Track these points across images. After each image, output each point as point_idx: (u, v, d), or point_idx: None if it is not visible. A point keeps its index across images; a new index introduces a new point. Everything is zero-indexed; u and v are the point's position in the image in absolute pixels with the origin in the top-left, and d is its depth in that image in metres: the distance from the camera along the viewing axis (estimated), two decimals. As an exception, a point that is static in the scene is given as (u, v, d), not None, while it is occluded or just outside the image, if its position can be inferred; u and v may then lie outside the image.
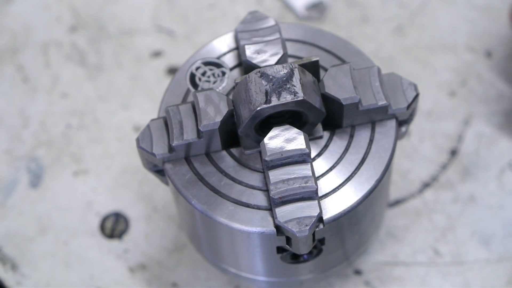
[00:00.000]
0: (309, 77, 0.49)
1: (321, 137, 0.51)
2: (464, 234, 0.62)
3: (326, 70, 0.52)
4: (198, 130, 0.49)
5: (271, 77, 0.48)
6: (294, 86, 0.47)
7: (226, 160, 0.51)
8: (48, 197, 0.65)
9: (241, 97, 0.48)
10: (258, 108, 0.47)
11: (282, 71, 0.48)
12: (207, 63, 0.53)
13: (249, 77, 0.48)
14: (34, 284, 0.62)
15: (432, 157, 0.65)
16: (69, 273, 0.62)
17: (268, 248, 0.51)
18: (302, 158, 0.48)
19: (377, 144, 0.50)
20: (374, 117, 0.51)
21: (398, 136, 0.52)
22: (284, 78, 0.48)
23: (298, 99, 0.47)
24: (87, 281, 0.62)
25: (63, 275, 0.62)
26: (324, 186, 0.49)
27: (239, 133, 0.49)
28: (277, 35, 0.52)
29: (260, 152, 0.50)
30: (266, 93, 0.47)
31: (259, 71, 0.48)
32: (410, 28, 0.70)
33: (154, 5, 0.72)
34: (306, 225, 0.47)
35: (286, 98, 0.47)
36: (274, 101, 0.47)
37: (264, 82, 0.47)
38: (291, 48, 0.53)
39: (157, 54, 0.70)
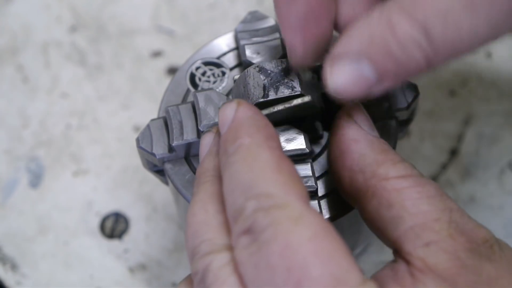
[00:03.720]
0: (307, 72, 0.49)
1: (321, 137, 0.51)
2: (464, 234, 0.62)
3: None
4: (198, 130, 0.49)
5: (269, 71, 0.48)
6: (292, 80, 0.48)
7: (226, 160, 0.51)
8: (48, 197, 0.65)
9: (239, 92, 0.48)
10: (256, 102, 0.47)
11: (280, 66, 0.48)
12: (207, 63, 0.53)
13: (247, 71, 0.48)
14: (34, 284, 0.62)
15: (432, 157, 0.65)
16: (69, 273, 0.62)
17: (268, 248, 0.51)
18: (302, 158, 0.48)
19: (377, 144, 0.50)
20: (374, 117, 0.50)
21: (398, 136, 0.52)
22: (282, 73, 0.48)
23: (296, 93, 0.47)
24: (87, 281, 0.62)
25: (63, 275, 0.62)
26: (324, 186, 0.49)
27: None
28: (277, 35, 0.52)
29: (260, 152, 0.50)
30: (264, 87, 0.47)
31: (257, 66, 0.48)
32: (410, 28, 0.70)
33: (154, 5, 0.72)
34: (306, 225, 0.47)
35: (284, 92, 0.47)
36: (272, 95, 0.47)
37: (262, 77, 0.48)
38: (291, 48, 0.53)
39: (157, 54, 0.70)
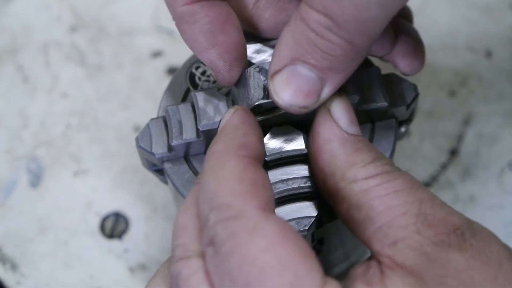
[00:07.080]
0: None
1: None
2: (464, 234, 0.62)
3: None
4: (197, 130, 0.49)
5: None
6: None
7: (226, 160, 0.51)
8: (48, 197, 0.65)
9: (239, 93, 0.48)
10: (256, 103, 0.47)
11: None
12: (206, 63, 0.53)
13: (247, 72, 0.48)
14: (34, 284, 0.62)
15: (432, 157, 0.64)
16: (69, 273, 0.62)
17: (268, 248, 0.51)
18: (302, 158, 0.48)
19: (377, 144, 0.50)
20: (374, 117, 0.50)
21: (398, 136, 0.52)
22: None
23: None
24: (87, 281, 0.62)
25: (63, 275, 0.62)
26: (323, 186, 0.49)
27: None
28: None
29: (259, 152, 0.50)
30: (264, 88, 0.47)
31: (257, 66, 0.48)
32: (410, 28, 0.70)
33: (154, 5, 0.72)
34: (305, 226, 0.47)
35: None
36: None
37: (262, 78, 0.47)
38: (291, 48, 0.53)
39: (157, 54, 0.70)
